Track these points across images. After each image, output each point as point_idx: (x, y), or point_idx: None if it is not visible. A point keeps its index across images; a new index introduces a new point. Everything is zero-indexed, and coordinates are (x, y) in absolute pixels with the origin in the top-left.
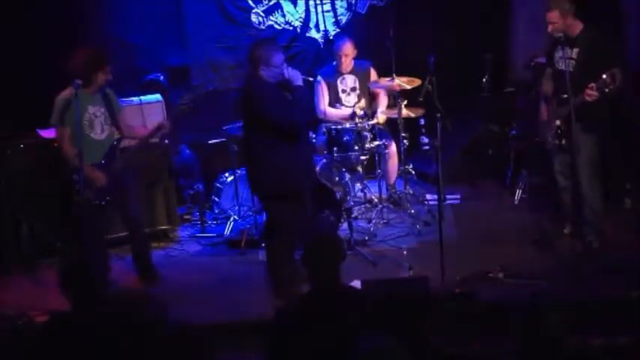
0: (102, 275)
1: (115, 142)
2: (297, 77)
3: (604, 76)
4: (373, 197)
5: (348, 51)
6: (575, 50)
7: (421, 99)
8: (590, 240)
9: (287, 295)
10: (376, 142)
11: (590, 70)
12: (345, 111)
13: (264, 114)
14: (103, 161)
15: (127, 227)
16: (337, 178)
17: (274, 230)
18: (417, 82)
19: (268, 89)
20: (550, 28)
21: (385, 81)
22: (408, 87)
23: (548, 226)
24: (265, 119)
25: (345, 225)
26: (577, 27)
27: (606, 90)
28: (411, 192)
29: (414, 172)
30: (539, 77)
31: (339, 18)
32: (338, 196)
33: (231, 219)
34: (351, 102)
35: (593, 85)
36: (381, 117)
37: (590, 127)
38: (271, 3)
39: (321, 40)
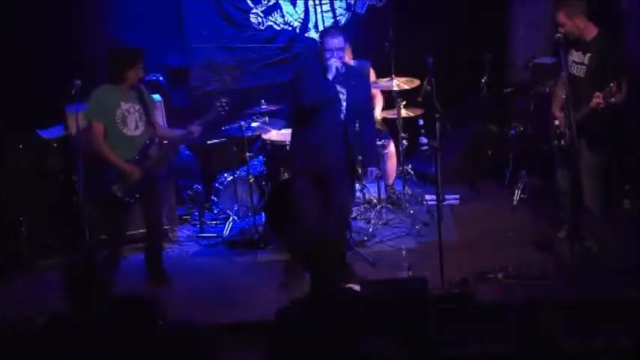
0: (107, 275)
1: (149, 140)
2: (330, 69)
3: (611, 84)
4: (372, 198)
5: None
6: (588, 55)
7: (420, 99)
8: (589, 246)
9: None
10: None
11: (601, 77)
12: None
13: (294, 88)
14: (136, 157)
15: (147, 226)
16: None
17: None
18: (416, 82)
19: (310, 68)
20: (561, 29)
21: (384, 81)
22: (407, 87)
23: (547, 228)
24: (295, 94)
25: None
26: (591, 31)
27: (612, 99)
28: (410, 192)
29: (412, 173)
30: (538, 78)
31: (338, 18)
32: None
33: (230, 219)
34: None
35: (599, 94)
36: (378, 117)
37: (594, 141)
38: (270, 3)
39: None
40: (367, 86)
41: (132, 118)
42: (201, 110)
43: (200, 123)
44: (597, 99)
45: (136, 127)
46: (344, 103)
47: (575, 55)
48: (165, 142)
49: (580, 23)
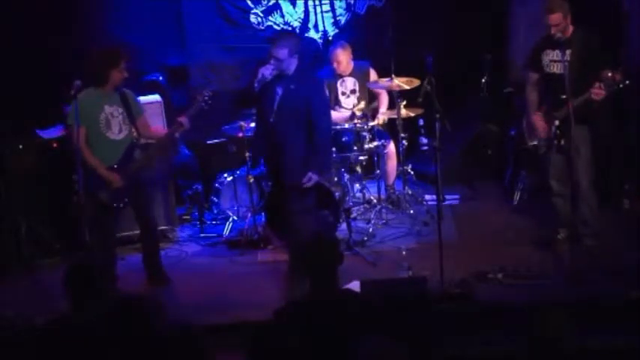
0: (106, 276)
1: (131, 144)
2: (257, 75)
3: (610, 74)
4: (372, 198)
5: (339, 58)
6: (568, 52)
7: (420, 100)
8: (589, 244)
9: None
10: (375, 143)
11: (584, 70)
12: (345, 114)
13: None
14: (115, 165)
15: (140, 227)
16: (336, 179)
17: None
18: (416, 82)
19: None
20: (554, 30)
21: (384, 81)
22: (407, 87)
23: (547, 228)
24: None
25: (343, 225)
26: (570, 29)
27: (615, 87)
28: (410, 192)
29: (412, 173)
30: None
31: (337, 18)
32: (337, 196)
33: (230, 219)
34: (350, 104)
35: (600, 84)
36: (381, 118)
37: (590, 129)
38: (270, 3)
39: (320, 41)
40: (312, 96)
41: (116, 121)
42: (201, 110)
43: (187, 115)
44: (599, 89)
45: (120, 131)
46: (275, 105)
47: (552, 54)
48: (151, 143)
49: (568, 22)
